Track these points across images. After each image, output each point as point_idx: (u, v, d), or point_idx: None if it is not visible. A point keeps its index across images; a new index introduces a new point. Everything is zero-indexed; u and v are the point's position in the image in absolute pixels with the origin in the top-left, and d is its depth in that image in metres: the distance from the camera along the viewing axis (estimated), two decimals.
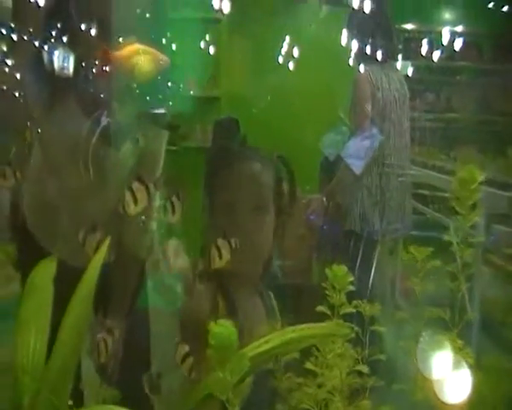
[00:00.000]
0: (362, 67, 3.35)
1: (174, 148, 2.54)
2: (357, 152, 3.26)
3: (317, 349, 1.18)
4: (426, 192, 3.81)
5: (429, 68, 6.46)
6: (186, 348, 1.30)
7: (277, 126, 4.33)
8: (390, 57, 3.47)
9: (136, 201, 1.29)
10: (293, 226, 1.98)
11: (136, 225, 1.65)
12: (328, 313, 1.21)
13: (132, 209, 1.29)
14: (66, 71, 1.56)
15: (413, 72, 6.46)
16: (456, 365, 1.09)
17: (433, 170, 4.24)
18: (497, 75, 5.63)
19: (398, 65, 6.33)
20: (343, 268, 1.23)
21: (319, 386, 1.16)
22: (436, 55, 4.78)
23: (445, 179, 3.73)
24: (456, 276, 1.26)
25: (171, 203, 1.38)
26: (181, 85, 3.64)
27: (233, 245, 1.36)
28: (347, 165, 3.25)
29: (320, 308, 1.22)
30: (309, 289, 3.15)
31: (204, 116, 4.60)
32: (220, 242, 1.37)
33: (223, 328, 0.95)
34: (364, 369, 1.21)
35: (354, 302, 1.27)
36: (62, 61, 1.54)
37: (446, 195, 2.64)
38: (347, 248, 3.22)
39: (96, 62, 1.50)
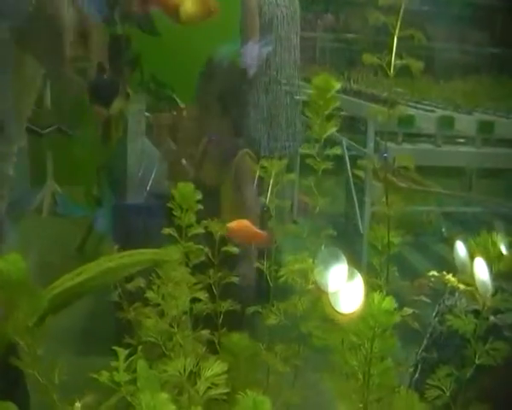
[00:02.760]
0: None
1: None
2: (249, 59, 3.18)
3: (158, 277, 1.06)
4: None
5: None
6: None
7: (170, 42, 4.27)
8: None
9: None
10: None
11: None
12: (175, 234, 1.11)
13: None
14: None
15: None
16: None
17: None
18: None
19: None
20: (189, 186, 1.11)
21: (161, 316, 1.06)
22: None
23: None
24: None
25: None
26: None
27: None
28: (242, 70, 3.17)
29: (167, 230, 1.12)
30: None
31: None
32: None
33: (9, 264, 0.82)
34: (202, 296, 1.09)
35: (204, 222, 1.15)
36: None
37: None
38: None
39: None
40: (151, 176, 3.13)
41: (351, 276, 1.07)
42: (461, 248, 1.96)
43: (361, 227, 3.48)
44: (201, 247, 1.13)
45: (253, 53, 3.20)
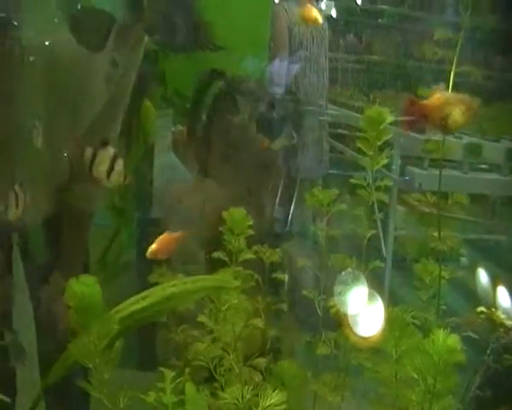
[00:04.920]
0: (279, 2, 3.31)
1: None
2: (276, 78, 3.21)
3: (212, 301, 1.04)
4: (345, 132, 3.86)
5: (352, 10, 6.50)
6: None
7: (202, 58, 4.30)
8: None
9: None
10: None
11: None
12: (226, 259, 1.11)
13: None
14: None
15: (337, 13, 6.49)
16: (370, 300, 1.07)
17: (352, 110, 4.29)
18: (416, 21, 5.73)
19: (322, 5, 6.34)
20: (241, 211, 1.12)
21: (213, 341, 1.05)
22: None
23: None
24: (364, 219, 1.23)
25: None
26: None
27: None
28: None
29: (217, 254, 1.12)
30: None
31: None
32: None
33: (84, 286, 0.81)
34: (259, 323, 1.08)
35: (254, 248, 1.15)
36: None
37: None
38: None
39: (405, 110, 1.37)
40: None
41: (371, 299, 1.07)
42: (483, 277, 1.96)
43: (384, 250, 3.49)
44: (251, 272, 1.13)
45: (281, 71, 3.22)
